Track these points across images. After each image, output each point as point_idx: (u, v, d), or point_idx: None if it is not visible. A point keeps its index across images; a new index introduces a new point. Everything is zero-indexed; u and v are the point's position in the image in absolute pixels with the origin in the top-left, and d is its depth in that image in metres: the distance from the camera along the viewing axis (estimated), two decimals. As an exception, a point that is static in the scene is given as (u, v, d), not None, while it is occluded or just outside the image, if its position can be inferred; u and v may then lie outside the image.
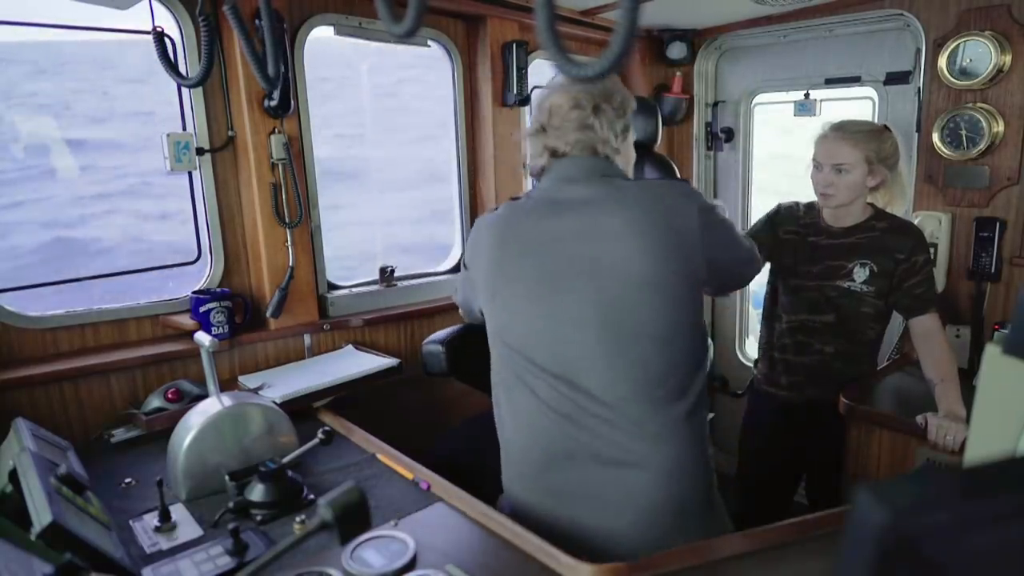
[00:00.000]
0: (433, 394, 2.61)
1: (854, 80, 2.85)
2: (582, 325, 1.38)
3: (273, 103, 2.15)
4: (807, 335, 2.14)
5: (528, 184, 2.96)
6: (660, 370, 1.39)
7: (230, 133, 2.20)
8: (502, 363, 1.52)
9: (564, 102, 1.48)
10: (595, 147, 1.47)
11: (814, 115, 2.98)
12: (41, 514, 1.12)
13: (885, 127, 2.10)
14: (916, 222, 2.31)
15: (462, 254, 1.73)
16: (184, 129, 2.16)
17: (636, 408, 1.38)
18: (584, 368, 1.38)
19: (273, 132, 2.19)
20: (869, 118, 2.82)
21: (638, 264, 1.36)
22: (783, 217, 2.23)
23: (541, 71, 2.89)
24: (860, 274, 2.05)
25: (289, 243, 2.26)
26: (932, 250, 2.34)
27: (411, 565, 1.20)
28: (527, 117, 2.98)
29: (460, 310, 1.82)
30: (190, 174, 2.18)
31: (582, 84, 1.43)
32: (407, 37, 0.94)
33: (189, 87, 2.08)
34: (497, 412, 1.58)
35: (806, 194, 2.22)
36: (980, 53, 2.33)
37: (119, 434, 1.84)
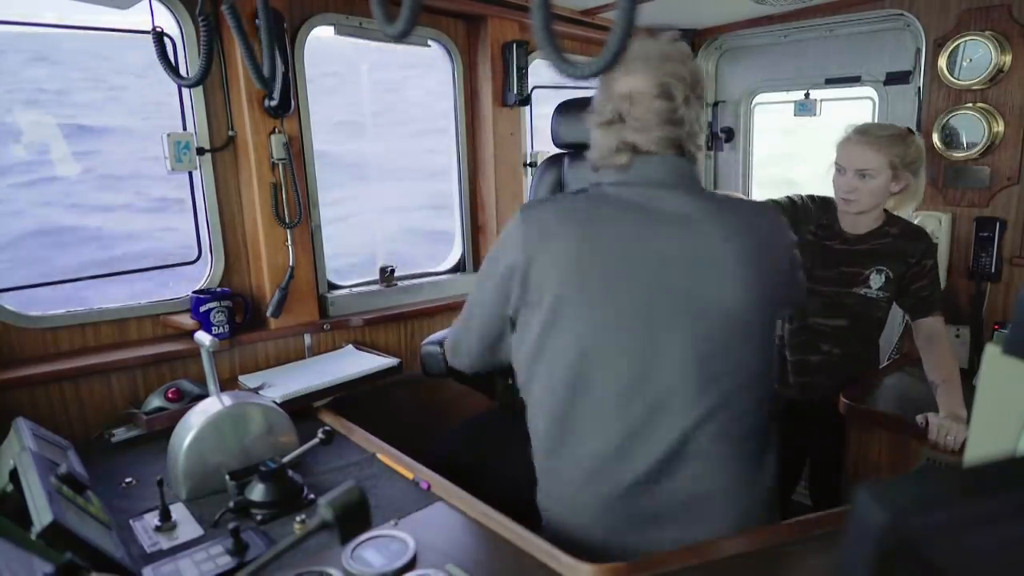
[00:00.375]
0: (433, 394, 2.61)
1: (854, 80, 2.85)
2: (674, 364, 1.21)
3: (273, 103, 2.15)
4: (815, 336, 2.14)
5: (528, 183, 2.96)
6: (747, 417, 1.27)
7: (230, 133, 2.20)
8: (555, 395, 1.27)
9: (647, 88, 1.23)
10: (682, 144, 1.27)
11: (814, 115, 2.98)
12: (42, 514, 1.12)
13: (909, 130, 2.06)
14: (916, 222, 2.31)
15: (489, 267, 1.37)
16: (184, 129, 2.16)
17: (719, 460, 1.24)
18: (672, 414, 1.21)
19: (273, 132, 2.19)
20: (869, 118, 2.82)
21: (741, 300, 1.21)
22: (803, 211, 2.16)
23: (541, 71, 2.89)
24: (876, 280, 2.04)
25: (289, 243, 2.26)
26: (931, 250, 2.34)
27: (411, 565, 1.20)
28: (527, 117, 2.98)
29: (453, 354, 1.50)
30: (190, 174, 2.18)
31: (664, 64, 1.24)
32: (401, 38, 0.94)
33: (188, 87, 2.08)
34: (545, 448, 1.33)
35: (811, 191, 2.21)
36: (980, 53, 2.33)
37: (119, 434, 1.84)
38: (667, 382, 1.21)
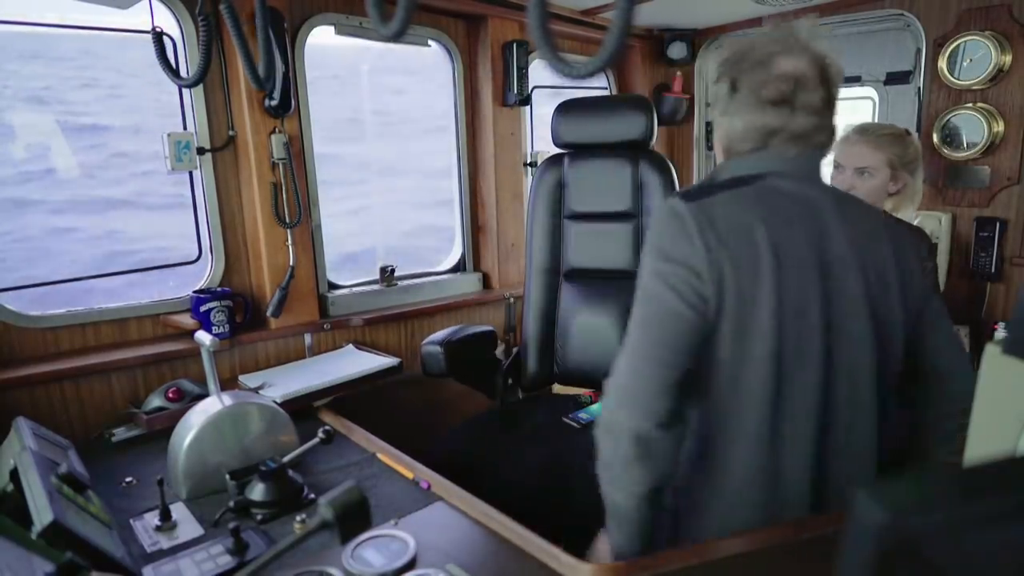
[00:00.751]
0: (433, 394, 2.61)
1: (854, 80, 2.85)
2: (854, 373, 1.16)
3: (274, 103, 2.15)
4: None
5: (528, 183, 2.96)
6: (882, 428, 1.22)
7: (231, 133, 2.20)
8: (752, 411, 1.14)
9: (808, 71, 1.12)
10: (832, 136, 1.20)
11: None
12: (42, 513, 1.13)
13: (907, 131, 2.06)
14: (916, 222, 2.31)
15: (664, 270, 1.13)
16: (185, 128, 2.16)
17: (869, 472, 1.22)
18: (853, 424, 1.18)
19: (273, 132, 2.19)
20: (869, 118, 2.82)
21: (897, 310, 1.17)
22: None
23: (541, 71, 2.89)
24: None
25: (289, 242, 2.26)
26: (932, 250, 2.34)
27: (411, 564, 1.21)
28: (527, 117, 2.98)
29: (633, 406, 1.11)
30: (191, 173, 2.18)
31: (820, 43, 1.16)
32: (396, 38, 0.94)
33: (186, 87, 2.08)
34: (736, 471, 1.20)
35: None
36: (980, 53, 2.33)
37: (120, 433, 1.84)
38: (847, 393, 1.16)
